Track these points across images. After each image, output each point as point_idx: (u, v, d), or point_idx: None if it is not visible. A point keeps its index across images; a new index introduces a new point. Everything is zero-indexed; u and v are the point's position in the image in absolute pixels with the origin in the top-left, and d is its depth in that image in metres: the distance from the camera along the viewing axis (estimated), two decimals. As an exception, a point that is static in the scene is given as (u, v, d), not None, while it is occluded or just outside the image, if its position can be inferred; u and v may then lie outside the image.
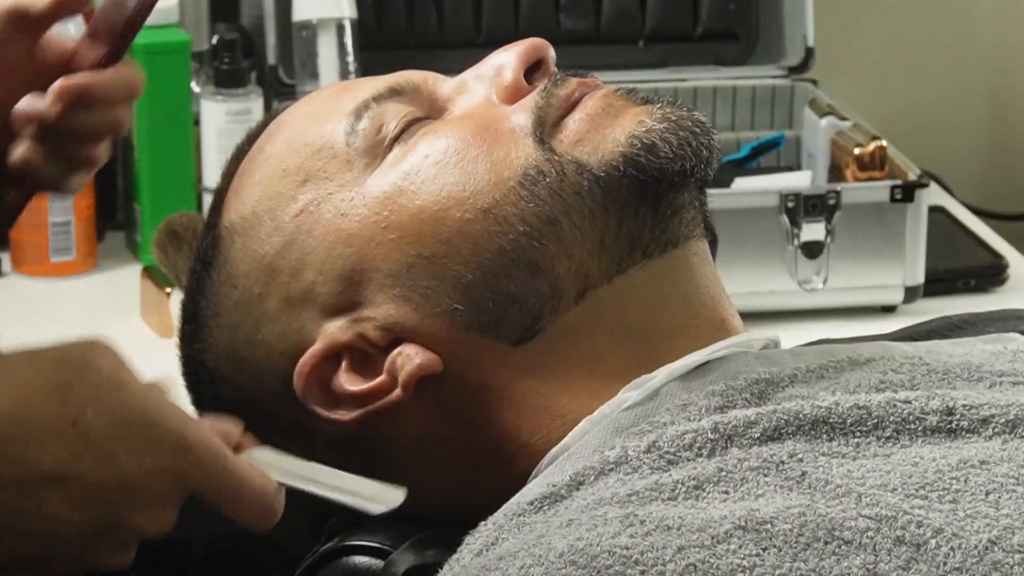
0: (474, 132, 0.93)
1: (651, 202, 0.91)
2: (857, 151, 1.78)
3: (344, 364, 0.92)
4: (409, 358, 0.91)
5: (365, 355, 0.92)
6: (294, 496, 1.05)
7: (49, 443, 0.76)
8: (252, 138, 1.01)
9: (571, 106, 0.93)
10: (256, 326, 0.95)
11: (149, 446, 0.78)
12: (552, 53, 0.96)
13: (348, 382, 0.92)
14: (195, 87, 1.94)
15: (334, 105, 0.97)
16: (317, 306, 0.93)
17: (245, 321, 0.95)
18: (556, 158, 0.91)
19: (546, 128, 0.92)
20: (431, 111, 0.96)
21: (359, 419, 0.92)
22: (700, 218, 0.94)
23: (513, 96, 0.94)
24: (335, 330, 0.92)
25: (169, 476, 0.78)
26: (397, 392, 0.91)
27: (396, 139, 0.94)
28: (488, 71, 0.96)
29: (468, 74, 0.97)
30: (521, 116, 0.93)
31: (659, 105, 0.93)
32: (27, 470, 0.76)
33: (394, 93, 0.96)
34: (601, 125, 0.92)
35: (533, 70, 0.96)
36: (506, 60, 0.95)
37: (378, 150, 0.94)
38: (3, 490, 0.76)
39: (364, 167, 0.93)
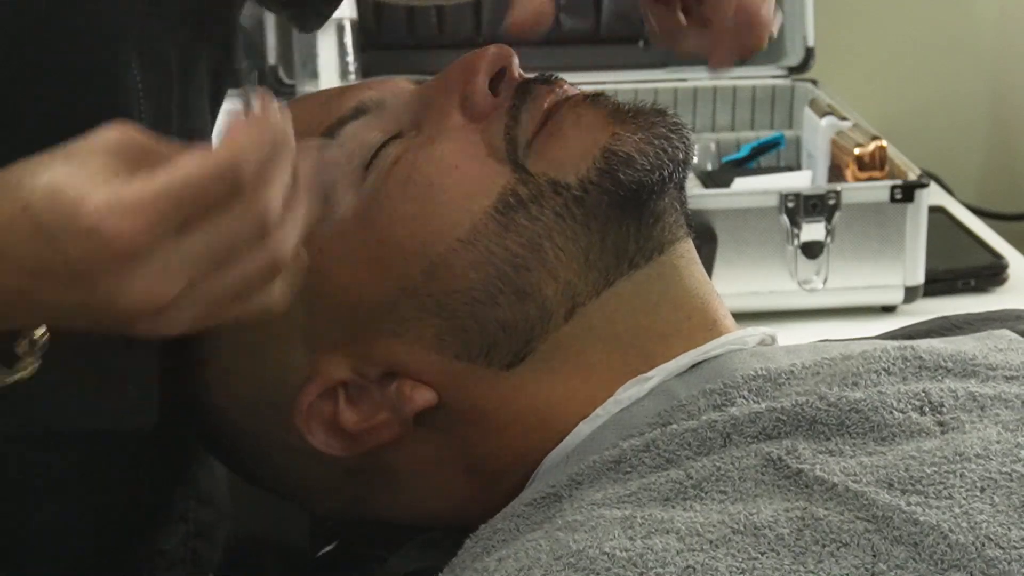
0: (446, 161, 0.90)
1: (633, 213, 0.90)
2: (857, 151, 1.78)
3: (341, 400, 0.91)
4: (405, 395, 0.90)
5: (361, 388, 0.91)
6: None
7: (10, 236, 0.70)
8: None
9: (542, 121, 0.91)
10: (247, 362, 0.94)
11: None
12: (515, 60, 0.94)
13: (347, 419, 0.91)
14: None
15: (298, 130, 0.94)
16: (308, 343, 0.91)
17: (235, 357, 0.94)
18: (532, 180, 0.90)
19: (519, 149, 0.91)
20: (400, 128, 0.93)
21: (361, 452, 0.92)
22: (682, 219, 0.93)
23: (481, 112, 0.92)
24: (329, 367, 0.90)
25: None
26: (397, 428, 0.91)
27: (368, 166, 0.91)
28: (452, 84, 0.93)
29: (432, 85, 0.95)
30: (492, 137, 0.91)
31: (631, 112, 0.91)
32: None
33: (359, 113, 0.94)
34: (574, 140, 0.90)
35: (498, 78, 0.93)
36: (470, 72, 0.93)
37: (352, 179, 0.91)
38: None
39: (338, 199, 0.91)
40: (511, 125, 0.91)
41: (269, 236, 0.71)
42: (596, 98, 0.92)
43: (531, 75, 0.94)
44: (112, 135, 0.72)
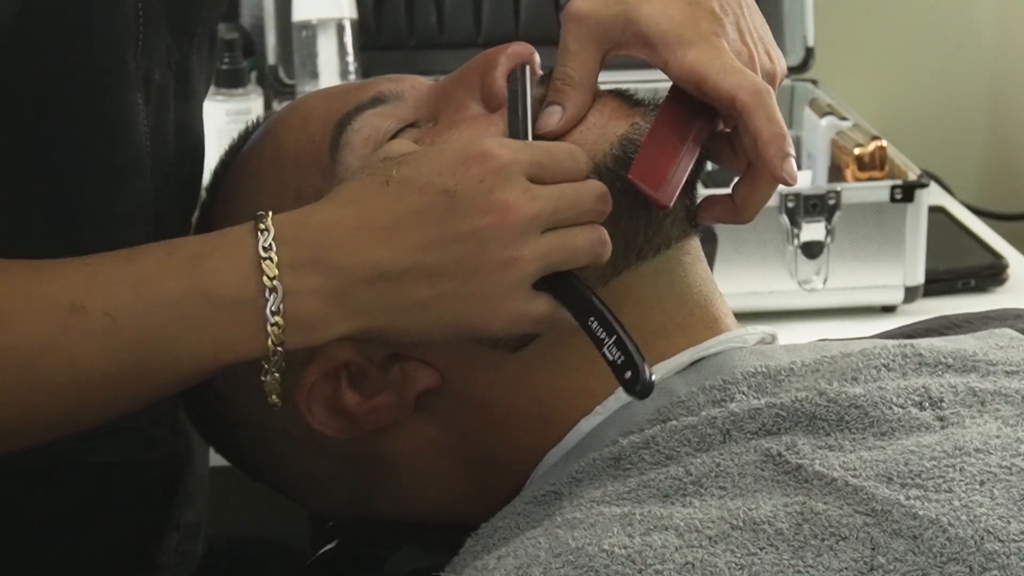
0: (463, 144, 0.91)
1: (643, 204, 0.90)
2: (857, 151, 1.78)
3: (344, 381, 0.91)
4: (409, 376, 0.90)
5: (363, 370, 0.91)
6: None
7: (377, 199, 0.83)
8: (234, 151, 1.00)
9: None
10: None
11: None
12: (536, 56, 0.95)
13: (349, 399, 0.91)
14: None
15: (317, 116, 0.95)
16: None
17: None
18: None
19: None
20: (416, 118, 0.94)
21: (359, 435, 0.92)
22: (692, 216, 0.93)
23: (499, 104, 0.93)
24: (333, 347, 0.90)
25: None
26: (398, 410, 0.91)
27: None
28: (472, 77, 0.94)
29: (451, 79, 0.95)
30: None
31: (651, 107, 0.92)
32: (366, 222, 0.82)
33: (377, 102, 0.95)
34: (594, 127, 0.91)
35: None
36: (489, 65, 0.94)
37: (366, 162, 0.91)
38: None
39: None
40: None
41: (602, 213, 0.86)
42: (619, 93, 0.93)
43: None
44: None
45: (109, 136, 0.92)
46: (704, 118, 0.91)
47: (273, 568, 1.56)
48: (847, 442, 0.83)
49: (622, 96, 0.93)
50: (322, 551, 1.03)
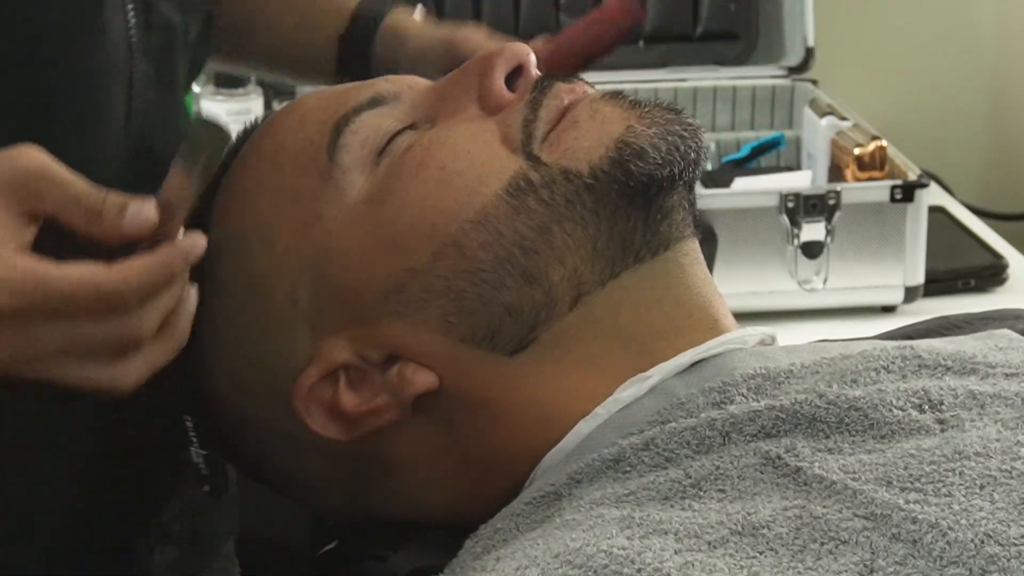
0: (460, 146, 0.91)
1: (641, 206, 0.90)
2: (857, 151, 1.78)
3: (342, 383, 0.91)
4: (407, 378, 0.90)
5: (362, 372, 0.91)
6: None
7: None
8: (233, 151, 1.00)
9: (559, 116, 0.92)
10: (249, 345, 0.94)
11: None
12: (533, 58, 0.95)
13: (347, 402, 0.91)
14: (195, 87, 1.94)
15: (316, 117, 0.95)
16: (311, 325, 0.91)
17: (237, 340, 0.94)
18: (545, 168, 0.90)
19: (534, 142, 0.91)
20: (414, 119, 0.94)
21: (358, 437, 0.92)
22: (689, 218, 0.93)
23: (496, 107, 0.93)
24: (331, 349, 0.91)
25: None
26: (396, 412, 0.91)
27: (381, 152, 0.92)
28: (469, 78, 0.94)
29: (448, 80, 0.95)
30: (508, 127, 0.92)
31: (647, 108, 0.92)
32: None
33: (375, 103, 0.95)
34: (589, 131, 0.91)
35: (515, 75, 0.94)
36: (487, 67, 0.94)
37: (364, 164, 0.92)
38: None
39: (350, 183, 0.92)
40: (530, 118, 0.92)
41: (122, 359, 0.82)
42: (614, 95, 0.93)
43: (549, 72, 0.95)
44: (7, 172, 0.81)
45: (88, 47, 0.93)
46: None
47: (273, 568, 1.56)
48: (847, 445, 0.83)
49: (618, 98, 0.93)
50: (322, 551, 1.03)
